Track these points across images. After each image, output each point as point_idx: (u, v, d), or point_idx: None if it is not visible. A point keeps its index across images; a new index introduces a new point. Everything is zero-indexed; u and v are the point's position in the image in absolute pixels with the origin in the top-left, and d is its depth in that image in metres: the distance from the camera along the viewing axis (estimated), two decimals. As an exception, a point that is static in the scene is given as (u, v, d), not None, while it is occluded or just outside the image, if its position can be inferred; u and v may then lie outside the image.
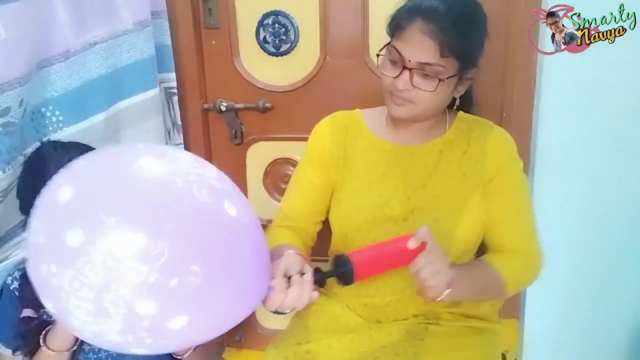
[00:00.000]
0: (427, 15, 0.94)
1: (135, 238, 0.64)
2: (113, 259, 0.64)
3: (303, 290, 0.84)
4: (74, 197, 0.68)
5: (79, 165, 0.74)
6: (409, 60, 0.97)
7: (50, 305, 0.71)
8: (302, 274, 0.86)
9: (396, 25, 0.99)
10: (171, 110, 1.54)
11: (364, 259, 0.91)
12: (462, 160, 1.08)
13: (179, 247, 0.66)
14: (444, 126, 1.12)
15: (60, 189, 0.70)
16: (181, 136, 1.59)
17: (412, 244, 0.90)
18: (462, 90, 1.05)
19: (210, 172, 0.77)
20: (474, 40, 0.99)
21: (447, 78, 0.97)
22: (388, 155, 1.12)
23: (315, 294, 0.86)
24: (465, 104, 1.15)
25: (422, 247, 0.91)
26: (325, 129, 1.17)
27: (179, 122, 1.57)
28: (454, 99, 1.08)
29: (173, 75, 1.51)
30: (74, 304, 0.66)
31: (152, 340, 0.69)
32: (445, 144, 1.10)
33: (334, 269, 0.93)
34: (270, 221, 1.30)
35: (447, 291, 0.92)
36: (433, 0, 0.95)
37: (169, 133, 1.56)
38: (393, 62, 1.01)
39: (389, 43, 1.02)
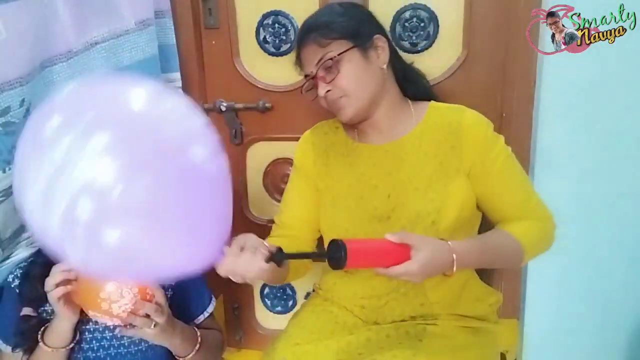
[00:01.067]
0: (299, 37, 1.11)
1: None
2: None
3: (253, 258, 0.87)
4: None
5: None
6: (311, 72, 1.09)
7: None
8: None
9: (297, 63, 1.15)
10: None
11: (357, 248, 0.90)
12: (437, 148, 1.08)
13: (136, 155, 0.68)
14: (411, 118, 1.13)
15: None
16: None
17: (389, 237, 0.91)
18: (384, 58, 1.10)
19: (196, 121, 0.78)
20: (348, 19, 1.09)
21: (340, 54, 1.05)
22: (363, 156, 1.15)
23: (265, 264, 0.88)
24: (420, 93, 1.20)
25: (406, 253, 0.90)
26: (308, 140, 1.23)
27: None
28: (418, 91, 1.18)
29: (179, 75, 1.51)
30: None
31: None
32: (418, 136, 1.11)
33: (327, 252, 0.92)
34: (270, 221, 1.30)
35: (454, 268, 0.95)
36: (302, 24, 1.13)
37: None
38: (310, 89, 1.13)
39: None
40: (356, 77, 1.07)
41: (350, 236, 1.10)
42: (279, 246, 0.92)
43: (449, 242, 0.96)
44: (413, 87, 1.19)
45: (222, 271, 0.86)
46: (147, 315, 1.00)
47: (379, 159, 1.13)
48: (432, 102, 1.16)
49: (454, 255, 0.94)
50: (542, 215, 1.11)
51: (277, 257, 0.90)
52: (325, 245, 0.97)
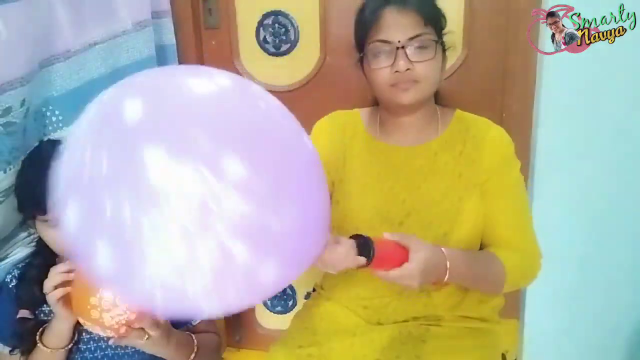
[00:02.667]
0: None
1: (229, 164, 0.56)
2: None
3: (349, 250, 0.86)
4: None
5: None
6: (399, 41, 0.99)
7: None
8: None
9: (367, 23, 1.02)
10: None
11: (382, 249, 0.89)
12: (458, 160, 1.07)
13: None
14: (437, 125, 1.11)
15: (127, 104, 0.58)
16: None
17: (388, 235, 0.91)
18: (444, 66, 1.06)
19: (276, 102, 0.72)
20: (438, 9, 1.04)
21: (436, 42, 1.00)
22: (383, 156, 1.11)
23: (362, 258, 0.87)
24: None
25: (405, 255, 0.89)
26: (324, 128, 1.17)
27: None
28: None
29: None
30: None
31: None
32: (441, 144, 1.09)
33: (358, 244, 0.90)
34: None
35: (446, 277, 0.93)
36: None
37: None
38: (379, 56, 1.01)
39: (363, 50, 1.04)
40: (436, 72, 1.02)
41: None
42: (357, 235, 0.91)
43: (443, 249, 0.95)
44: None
45: (320, 263, 0.85)
46: (141, 328, 0.97)
47: (398, 161, 1.10)
48: (458, 110, 1.13)
49: (448, 263, 0.93)
50: (532, 251, 1.09)
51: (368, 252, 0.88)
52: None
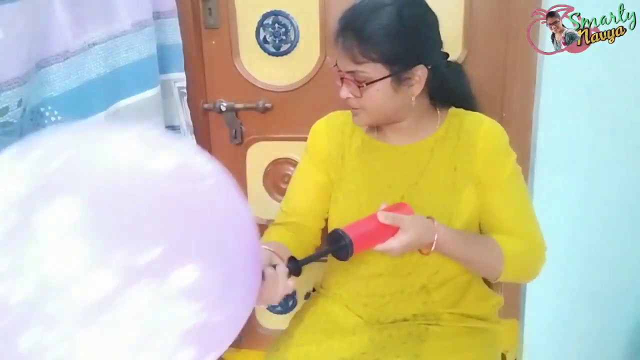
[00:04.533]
0: (342, 26, 1.00)
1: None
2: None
3: (276, 283, 0.84)
4: None
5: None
6: (340, 71, 1.02)
7: None
8: (273, 266, 0.86)
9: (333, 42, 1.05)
10: (184, 110, 1.54)
11: (359, 234, 0.91)
12: (453, 154, 1.08)
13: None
14: (435, 124, 1.11)
15: None
16: (193, 137, 1.58)
17: (381, 218, 0.92)
18: (416, 90, 1.02)
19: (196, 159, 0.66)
20: (398, 41, 0.97)
21: (371, 82, 0.98)
22: (380, 154, 1.13)
23: (290, 282, 0.86)
24: (460, 100, 1.15)
25: (394, 229, 0.92)
26: (322, 128, 1.18)
27: (191, 122, 1.56)
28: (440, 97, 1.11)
29: (183, 75, 1.50)
30: None
31: None
32: (437, 140, 1.10)
33: (330, 245, 0.92)
34: (270, 221, 1.30)
35: (432, 248, 0.96)
36: (351, 10, 1.01)
37: (183, 134, 1.56)
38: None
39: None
40: (379, 103, 1.01)
41: None
42: (291, 256, 0.91)
43: (435, 222, 0.96)
44: (446, 95, 1.13)
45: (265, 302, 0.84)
46: None
47: (396, 159, 1.11)
48: (452, 108, 1.14)
49: (436, 236, 0.95)
50: (534, 240, 1.07)
51: (295, 270, 0.89)
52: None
